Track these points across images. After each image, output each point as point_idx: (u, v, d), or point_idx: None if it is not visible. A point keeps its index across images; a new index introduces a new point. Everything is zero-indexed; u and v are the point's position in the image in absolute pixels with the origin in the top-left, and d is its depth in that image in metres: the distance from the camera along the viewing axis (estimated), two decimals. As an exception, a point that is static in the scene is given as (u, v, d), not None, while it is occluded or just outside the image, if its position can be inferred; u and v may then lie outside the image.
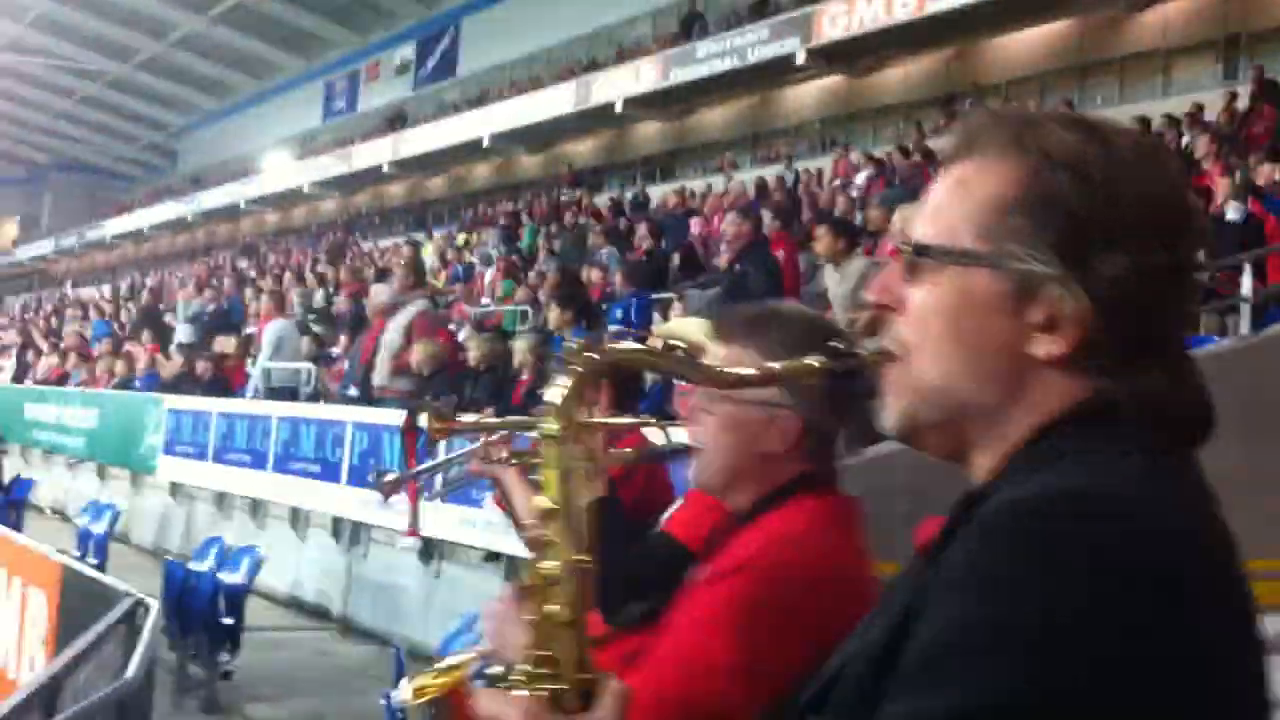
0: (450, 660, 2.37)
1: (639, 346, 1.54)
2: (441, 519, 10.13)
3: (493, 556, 9.61)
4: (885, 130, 25.60)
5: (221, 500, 13.94)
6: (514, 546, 8.42)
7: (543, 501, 1.51)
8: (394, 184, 39.74)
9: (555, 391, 1.48)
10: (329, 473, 11.71)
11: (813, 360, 1.36)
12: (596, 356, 1.45)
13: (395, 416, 10.78)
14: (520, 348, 9.00)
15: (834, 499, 2.13)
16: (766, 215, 9.74)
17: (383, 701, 5.44)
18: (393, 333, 11.02)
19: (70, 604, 6.97)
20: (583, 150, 33.56)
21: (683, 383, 2.04)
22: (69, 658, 4.73)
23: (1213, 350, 8.39)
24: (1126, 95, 21.63)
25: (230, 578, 8.70)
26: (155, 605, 5.72)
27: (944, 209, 1.21)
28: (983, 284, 1.15)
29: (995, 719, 0.90)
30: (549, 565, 1.49)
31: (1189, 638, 0.93)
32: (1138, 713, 0.90)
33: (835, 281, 8.18)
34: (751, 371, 1.50)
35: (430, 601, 10.47)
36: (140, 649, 4.83)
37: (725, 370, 1.54)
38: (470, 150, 34.71)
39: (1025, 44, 23.51)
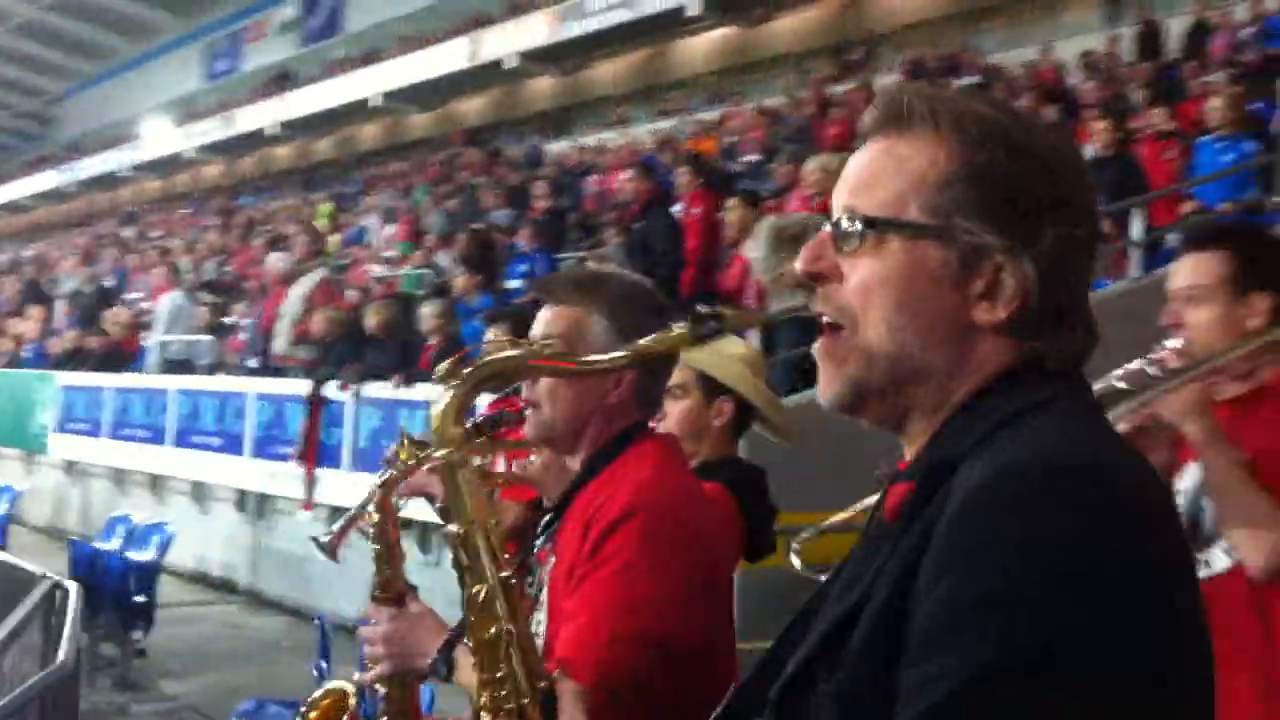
0: (326, 688, 2.36)
1: (513, 354, 1.63)
2: (350, 488, 10.06)
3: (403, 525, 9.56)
4: (779, 81, 25.65)
5: (119, 477, 13.67)
6: (426, 514, 8.41)
7: (451, 529, 1.54)
8: (280, 146, 38.97)
9: (436, 411, 1.52)
10: (231, 445, 11.56)
11: (679, 330, 1.46)
12: (472, 371, 1.50)
13: (298, 387, 10.70)
14: (427, 314, 8.92)
15: (663, 440, 2.31)
16: (689, 172, 9.61)
17: (314, 673, 5.41)
18: (293, 301, 10.88)
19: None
20: (475, 108, 33.20)
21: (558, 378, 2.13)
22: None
23: (1106, 293, 8.60)
24: (1015, 40, 21.86)
25: (140, 556, 8.58)
26: (75, 587, 5.60)
27: (881, 182, 1.24)
28: (931, 256, 1.20)
29: (1012, 673, 0.98)
30: (476, 589, 1.52)
31: (1154, 566, 1.05)
32: (1133, 643, 1.01)
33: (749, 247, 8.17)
34: (624, 354, 1.59)
35: (342, 571, 10.37)
36: (68, 632, 4.76)
37: (599, 359, 1.67)
38: (359, 110, 34.16)
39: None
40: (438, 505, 1.74)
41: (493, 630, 1.55)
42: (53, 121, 53.88)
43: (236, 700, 8.00)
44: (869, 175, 1.26)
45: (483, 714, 1.55)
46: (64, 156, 47.48)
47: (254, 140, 38.06)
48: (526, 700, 1.53)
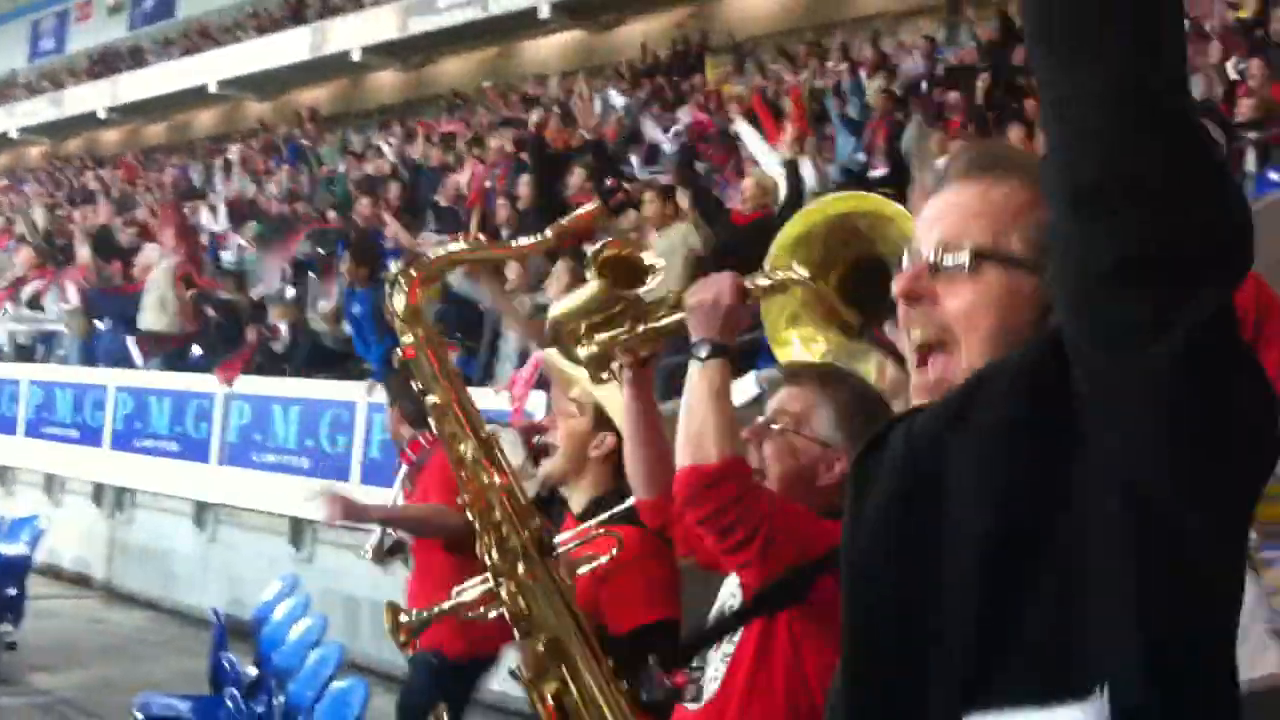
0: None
1: (446, 251, 1.97)
2: (219, 481, 10.00)
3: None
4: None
5: (-40, 468, 13.19)
6: (297, 509, 8.40)
7: (431, 400, 1.86)
8: (110, 130, 37.70)
9: (397, 304, 1.90)
10: (90, 437, 11.33)
11: (594, 204, 1.93)
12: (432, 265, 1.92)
13: (162, 380, 10.59)
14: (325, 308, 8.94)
15: None
16: (582, 173, 9.74)
17: (225, 665, 5.46)
18: (158, 279, 10.74)
19: None
20: (316, 98, 32.66)
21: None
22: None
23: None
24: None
25: (9, 549, 8.40)
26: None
27: (980, 220, 1.41)
28: (1026, 284, 1.36)
29: None
30: (462, 448, 1.81)
31: None
32: None
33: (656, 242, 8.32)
34: (548, 234, 1.92)
35: (207, 566, 10.30)
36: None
37: (525, 242, 1.99)
38: (194, 96, 33.30)
39: (763, 4, 24.26)
40: (418, 387, 1.86)
41: (483, 480, 1.75)
42: None
43: (109, 694, 7.98)
44: (965, 213, 1.42)
45: (490, 552, 1.75)
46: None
47: (83, 122, 36.75)
48: (525, 536, 1.74)
